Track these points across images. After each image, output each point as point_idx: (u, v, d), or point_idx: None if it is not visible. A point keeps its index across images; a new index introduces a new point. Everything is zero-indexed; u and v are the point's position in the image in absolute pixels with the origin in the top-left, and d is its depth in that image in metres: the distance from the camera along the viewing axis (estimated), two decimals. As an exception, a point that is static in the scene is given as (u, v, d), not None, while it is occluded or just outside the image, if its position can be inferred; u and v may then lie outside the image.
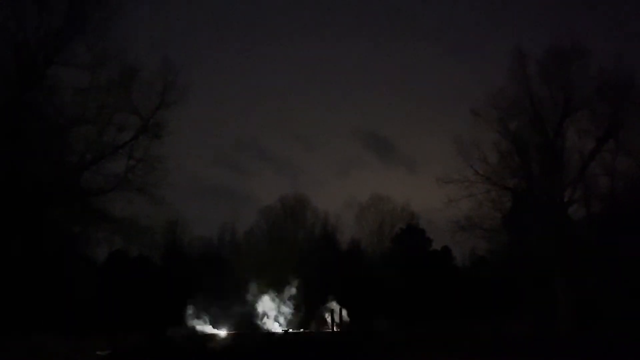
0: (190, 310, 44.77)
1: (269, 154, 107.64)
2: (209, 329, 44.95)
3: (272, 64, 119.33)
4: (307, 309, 50.12)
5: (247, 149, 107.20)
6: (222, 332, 43.76)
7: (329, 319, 48.54)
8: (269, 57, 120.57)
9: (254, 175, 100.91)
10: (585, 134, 35.44)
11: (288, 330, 47.48)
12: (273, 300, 48.52)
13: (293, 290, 48.59)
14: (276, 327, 48.26)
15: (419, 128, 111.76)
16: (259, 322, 48.36)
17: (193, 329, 43.53)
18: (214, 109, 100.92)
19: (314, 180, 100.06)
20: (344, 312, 49.46)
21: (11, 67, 28.32)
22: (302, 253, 55.43)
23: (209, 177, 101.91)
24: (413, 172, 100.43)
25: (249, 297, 48.19)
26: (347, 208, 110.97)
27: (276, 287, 48.59)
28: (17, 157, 27.87)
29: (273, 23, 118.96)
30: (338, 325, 48.23)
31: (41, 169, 28.74)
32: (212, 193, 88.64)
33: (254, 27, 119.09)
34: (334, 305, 48.64)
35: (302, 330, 48.17)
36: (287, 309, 48.79)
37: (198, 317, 44.94)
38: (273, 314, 48.84)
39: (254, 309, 48.32)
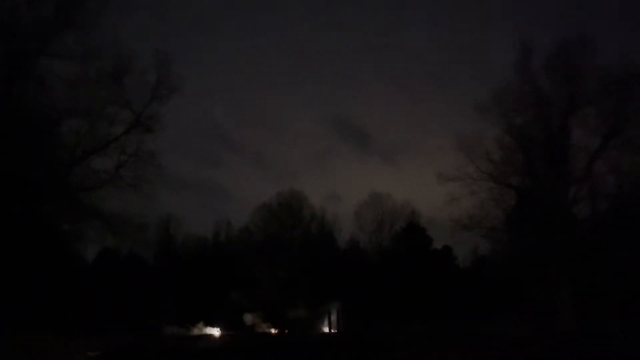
0: (183, 310, 44.05)
1: (238, 144, 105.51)
2: (203, 329, 44.34)
3: (240, 50, 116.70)
4: (304, 309, 49.50)
5: (216, 139, 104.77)
6: (216, 332, 43.18)
7: (327, 319, 48.02)
8: (236, 45, 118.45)
9: (225, 166, 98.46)
10: (590, 131, 34.68)
11: (285, 330, 46.91)
12: (269, 300, 47.89)
13: (290, 291, 47.93)
14: (270, 328, 47.72)
15: (402, 120, 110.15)
16: (254, 323, 47.79)
17: (186, 329, 42.88)
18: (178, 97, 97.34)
19: (288, 172, 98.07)
20: (343, 312, 48.89)
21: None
22: (299, 251, 54.69)
23: (176, 168, 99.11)
24: (390, 162, 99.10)
25: (244, 296, 47.55)
26: (327, 200, 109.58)
27: (273, 287, 47.91)
28: (5, 151, 27.15)
29: (243, 10, 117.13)
30: (336, 326, 47.69)
31: (30, 163, 28.11)
32: (184, 186, 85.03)
33: (222, 14, 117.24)
34: (332, 305, 48.10)
35: (298, 331, 47.57)
36: (283, 310, 48.17)
37: (192, 317, 44.23)
38: (269, 315, 48.29)
39: (248, 309, 47.73)
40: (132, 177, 30.01)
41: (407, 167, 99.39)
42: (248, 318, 47.71)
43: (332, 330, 47.32)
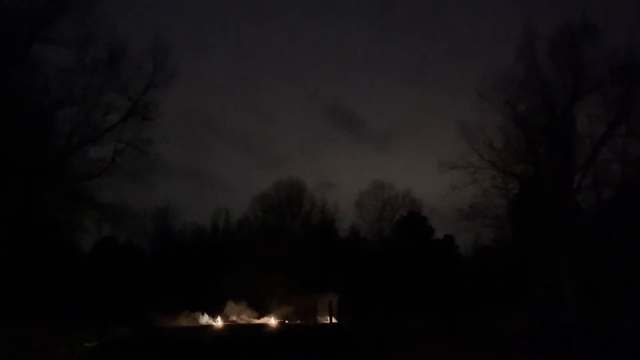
0: (181, 300, 43.56)
1: (229, 132, 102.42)
2: (202, 319, 43.87)
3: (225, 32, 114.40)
4: (304, 300, 49.06)
5: (206, 127, 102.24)
6: (216, 323, 42.73)
7: (328, 311, 47.52)
8: (226, 32, 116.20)
9: (217, 155, 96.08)
10: (595, 118, 34.18)
11: (284, 321, 46.45)
12: (268, 290, 47.42)
13: (289, 281, 47.45)
14: (270, 320, 47.25)
15: (399, 106, 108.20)
16: (254, 314, 47.36)
17: (185, 320, 42.39)
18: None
19: (281, 160, 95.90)
20: (343, 303, 48.40)
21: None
22: (299, 241, 54.21)
23: (168, 157, 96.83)
24: (387, 149, 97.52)
25: (242, 286, 47.03)
26: (321, 188, 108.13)
27: (272, 277, 47.42)
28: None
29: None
30: (336, 317, 47.22)
31: (25, 152, 27.78)
32: (178, 174, 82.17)
33: (213, 2, 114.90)
34: (332, 296, 47.55)
35: (298, 322, 47.17)
36: (283, 300, 47.70)
37: (191, 308, 43.75)
38: (268, 305, 47.81)
39: (246, 298, 47.25)
40: (129, 165, 29.93)
41: (404, 154, 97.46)
42: (244, 308, 47.32)
43: (333, 321, 46.88)
